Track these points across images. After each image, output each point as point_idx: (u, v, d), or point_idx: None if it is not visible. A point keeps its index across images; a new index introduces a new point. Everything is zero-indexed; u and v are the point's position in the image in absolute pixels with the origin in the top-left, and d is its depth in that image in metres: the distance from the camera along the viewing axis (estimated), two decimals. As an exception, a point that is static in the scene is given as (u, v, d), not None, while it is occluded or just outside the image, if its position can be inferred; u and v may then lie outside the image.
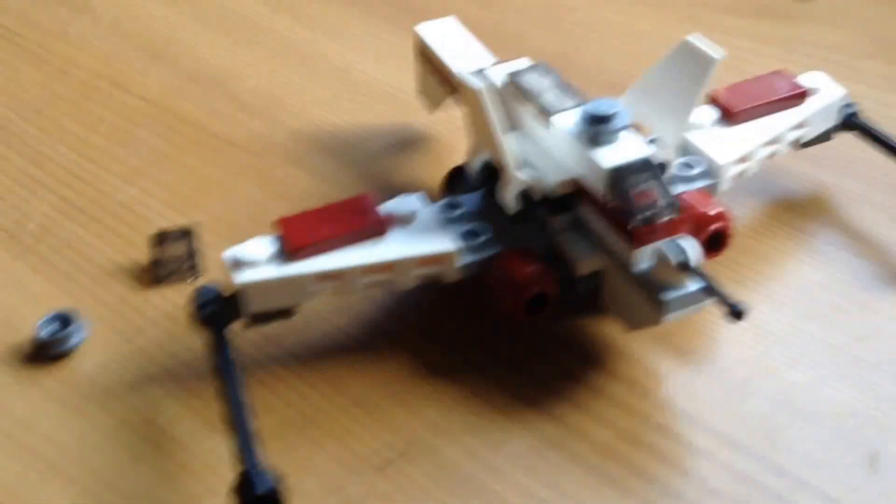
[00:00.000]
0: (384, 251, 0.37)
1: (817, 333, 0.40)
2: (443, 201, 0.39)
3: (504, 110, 0.40)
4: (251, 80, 0.56)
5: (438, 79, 0.46)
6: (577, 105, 0.38)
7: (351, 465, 0.35)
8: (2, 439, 0.37)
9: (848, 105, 0.44)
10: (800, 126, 0.43)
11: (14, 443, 0.37)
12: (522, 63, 0.42)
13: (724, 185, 0.41)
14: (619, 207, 0.35)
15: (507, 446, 0.36)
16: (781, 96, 0.43)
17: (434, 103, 0.48)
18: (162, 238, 0.43)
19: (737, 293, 0.37)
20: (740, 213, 0.45)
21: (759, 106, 0.43)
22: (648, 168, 0.35)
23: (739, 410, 0.37)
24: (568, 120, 0.37)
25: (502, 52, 0.45)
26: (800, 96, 0.43)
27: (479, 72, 0.42)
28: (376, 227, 0.37)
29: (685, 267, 0.34)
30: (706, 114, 0.42)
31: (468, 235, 0.38)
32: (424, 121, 0.51)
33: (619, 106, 0.36)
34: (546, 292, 0.36)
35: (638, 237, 0.35)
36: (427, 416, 0.37)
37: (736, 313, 0.32)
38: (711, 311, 0.37)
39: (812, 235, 0.44)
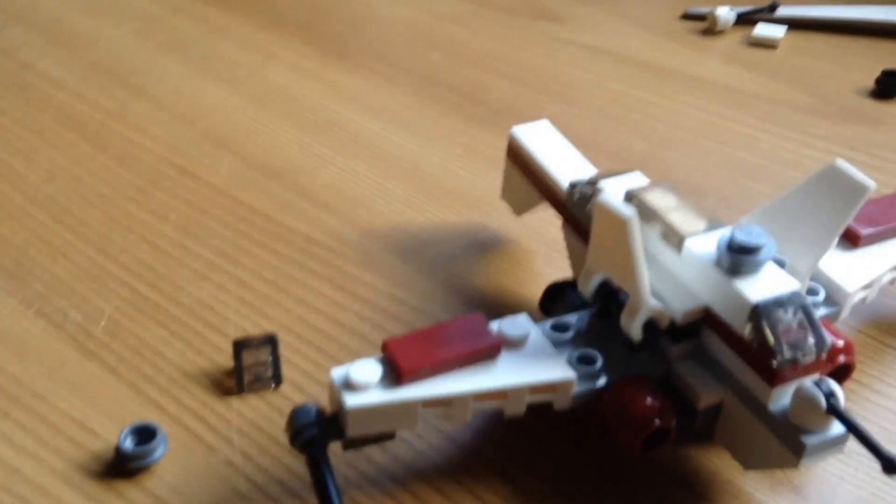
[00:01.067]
0: (497, 378, 0.35)
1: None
2: (551, 321, 0.37)
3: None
4: (322, 174, 0.55)
5: (531, 183, 0.45)
6: (712, 229, 0.36)
7: None
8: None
9: None
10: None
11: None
12: (638, 178, 0.40)
13: (846, 313, 0.39)
14: (762, 344, 0.33)
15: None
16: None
17: (521, 207, 0.47)
18: (244, 345, 0.41)
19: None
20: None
21: (884, 230, 0.42)
22: (798, 303, 0.33)
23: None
24: (704, 245, 0.35)
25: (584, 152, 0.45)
26: None
27: (589, 184, 0.40)
28: (490, 351, 0.35)
29: (834, 410, 0.32)
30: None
31: (582, 362, 0.36)
32: (499, 222, 0.50)
33: (766, 236, 0.34)
34: (666, 427, 0.34)
35: (781, 376, 0.33)
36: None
37: (889, 466, 0.30)
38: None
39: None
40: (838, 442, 0.33)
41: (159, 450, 0.38)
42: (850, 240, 0.41)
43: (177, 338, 0.44)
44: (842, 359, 0.37)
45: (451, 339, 0.35)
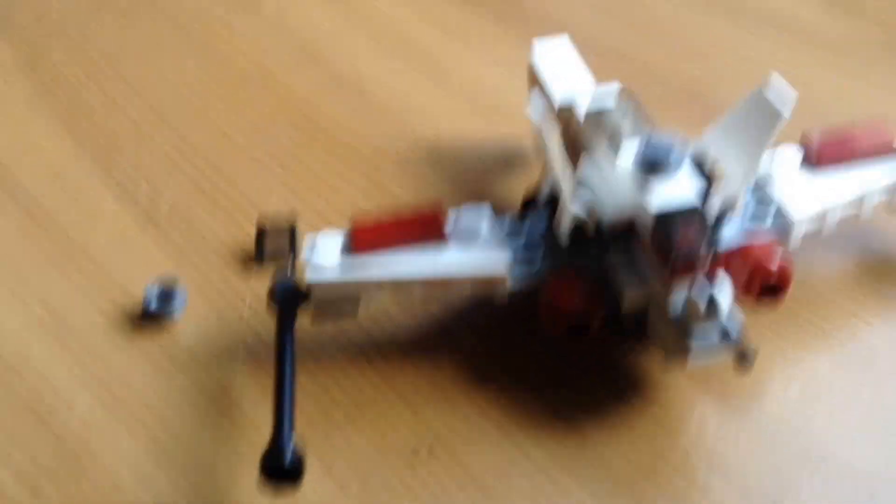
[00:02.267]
0: (439, 266, 0.40)
1: (869, 396, 0.40)
2: (508, 219, 0.41)
3: (585, 137, 0.42)
4: (389, 87, 0.60)
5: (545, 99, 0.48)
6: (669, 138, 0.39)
7: (380, 454, 0.39)
8: (95, 385, 0.42)
9: None
10: (892, 186, 0.42)
11: (105, 389, 0.42)
12: (609, 91, 0.43)
13: (794, 242, 0.41)
14: (661, 247, 0.36)
15: (525, 463, 0.38)
16: (876, 149, 0.42)
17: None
18: (265, 227, 0.47)
19: (794, 347, 0.41)
20: (824, 264, 0.45)
21: (849, 158, 0.42)
22: (694, 214, 0.36)
23: (763, 461, 0.38)
24: (629, 156, 0.38)
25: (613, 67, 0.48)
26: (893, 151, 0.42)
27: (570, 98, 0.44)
28: (437, 239, 0.40)
29: (713, 314, 0.35)
30: (793, 156, 0.42)
31: (522, 256, 0.40)
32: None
33: (673, 143, 0.37)
34: (589, 319, 0.38)
35: (674, 275, 0.36)
36: (461, 418, 0.40)
37: (744, 360, 0.33)
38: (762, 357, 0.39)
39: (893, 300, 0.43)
40: (724, 346, 0.36)
41: (178, 305, 0.45)
42: (814, 162, 0.42)
43: (219, 223, 0.51)
44: (769, 280, 0.39)
45: (407, 226, 0.40)
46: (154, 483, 0.38)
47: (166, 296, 0.45)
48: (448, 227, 0.41)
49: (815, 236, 0.42)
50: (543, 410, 0.40)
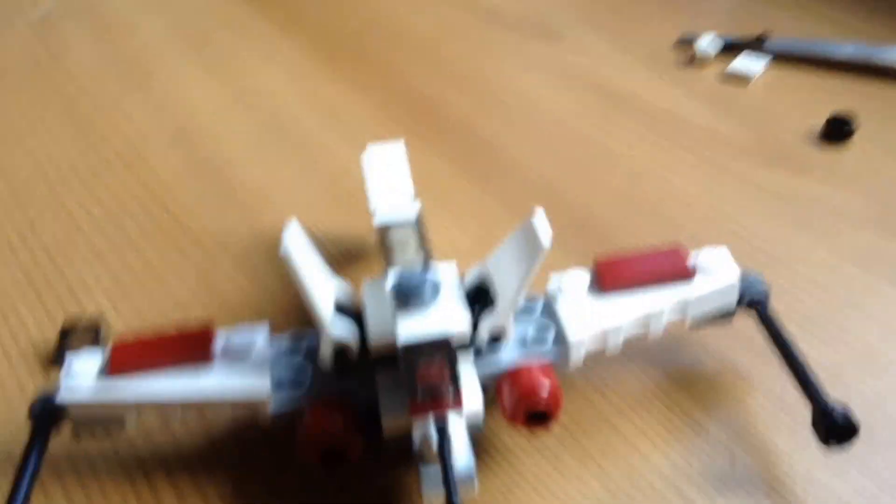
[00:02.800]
0: (198, 389, 0.38)
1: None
2: (287, 335, 0.40)
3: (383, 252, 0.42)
4: (251, 173, 0.60)
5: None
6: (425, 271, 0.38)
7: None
8: None
9: (756, 288, 0.42)
10: (680, 307, 0.41)
11: None
12: (403, 210, 0.44)
13: (575, 362, 0.40)
14: (406, 377, 0.35)
15: None
16: (664, 273, 0.42)
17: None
18: (71, 325, 0.46)
19: (566, 466, 0.40)
20: (626, 377, 0.45)
21: (635, 281, 0.41)
22: (442, 347, 0.35)
23: None
24: (390, 283, 0.37)
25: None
26: (685, 275, 0.42)
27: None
28: (201, 359, 0.39)
29: (439, 449, 0.35)
30: (580, 280, 0.42)
31: (290, 381, 0.39)
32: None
33: (428, 279, 0.36)
34: (344, 447, 0.37)
35: (413, 409, 0.36)
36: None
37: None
38: (540, 486, 0.40)
39: (688, 416, 0.43)
40: (463, 480, 0.35)
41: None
42: (601, 285, 0.41)
43: (43, 310, 0.51)
44: (536, 407, 0.38)
45: (172, 345, 0.39)
46: None
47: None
48: (216, 347, 0.39)
49: (598, 356, 0.41)
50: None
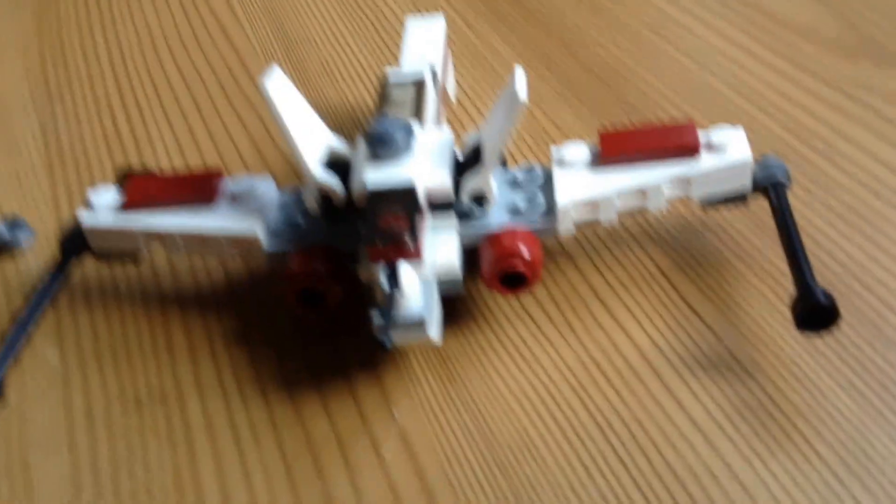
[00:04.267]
0: (199, 222, 0.41)
1: (586, 398, 0.39)
2: (291, 189, 0.43)
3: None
4: (326, 50, 0.63)
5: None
6: (401, 120, 0.39)
7: (114, 395, 0.41)
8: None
9: (774, 172, 0.41)
10: (681, 183, 0.41)
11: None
12: (413, 73, 0.45)
13: (565, 228, 0.40)
14: (368, 222, 0.37)
15: (238, 416, 0.40)
16: (662, 147, 0.41)
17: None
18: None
19: (546, 336, 0.41)
20: (632, 259, 0.44)
21: (633, 153, 0.41)
22: (406, 195, 0.37)
23: (450, 448, 0.38)
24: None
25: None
26: (689, 151, 0.41)
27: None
28: (204, 199, 0.42)
29: (385, 289, 0.36)
30: (581, 152, 0.42)
31: (284, 225, 0.41)
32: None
33: (400, 128, 0.38)
34: (321, 290, 0.39)
35: (372, 254, 0.37)
36: (204, 371, 0.42)
37: (382, 344, 0.34)
38: (514, 352, 0.41)
39: (683, 300, 0.43)
40: (413, 326, 0.36)
41: (23, 237, 0.49)
42: (600, 157, 0.41)
43: (112, 163, 0.55)
44: (508, 266, 0.39)
45: (182, 186, 0.43)
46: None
47: (12, 227, 0.48)
48: (222, 191, 0.42)
49: (613, 234, 0.42)
50: (276, 375, 0.42)
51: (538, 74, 0.57)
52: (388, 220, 0.37)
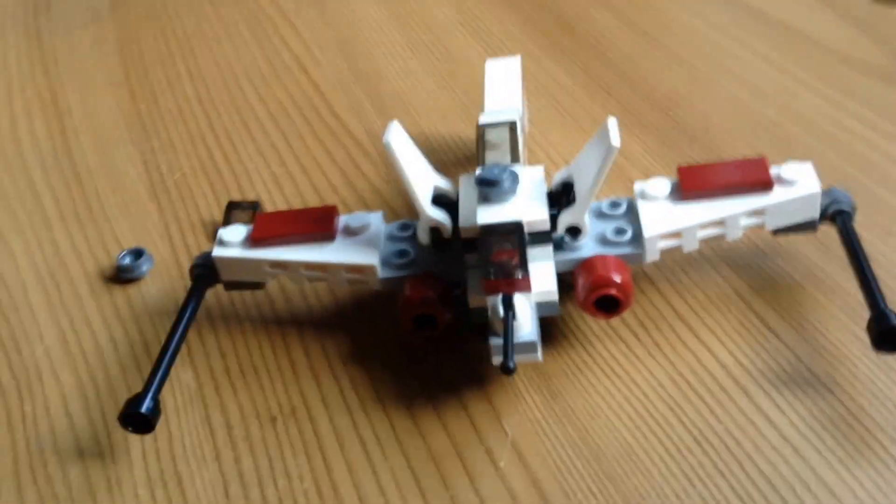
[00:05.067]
0: (322, 254, 0.46)
1: (680, 413, 0.43)
2: (397, 223, 0.47)
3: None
4: (400, 84, 0.67)
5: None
6: (507, 166, 0.44)
7: (249, 412, 0.46)
8: (65, 325, 0.52)
9: (840, 202, 0.45)
10: (757, 214, 0.45)
11: (70, 332, 0.52)
12: (504, 115, 0.49)
13: (651, 256, 0.45)
14: (482, 257, 0.42)
15: (364, 431, 0.44)
16: (740, 182, 0.45)
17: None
18: (234, 206, 0.55)
19: (636, 356, 0.45)
20: (709, 282, 0.48)
21: (712, 188, 0.45)
22: (514, 231, 0.42)
23: (560, 460, 0.42)
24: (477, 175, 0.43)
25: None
26: (763, 186, 0.45)
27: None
28: (325, 234, 0.47)
29: (503, 319, 0.41)
30: (663, 186, 0.46)
31: (396, 255, 0.46)
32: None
33: (507, 174, 0.42)
34: (433, 315, 0.44)
35: (487, 286, 0.42)
36: (327, 389, 0.46)
37: (504, 368, 0.39)
38: (609, 370, 0.45)
39: (761, 320, 0.47)
40: (526, 348, 0.41)
41: (145, 267, 0.54)
42: (681, 191, 0.45)
43: (213, 194, 0.59)
44: (604, 292, 0.43)
45: (302, 221, 0.47)
46: (74, 412, 0.47)
47: (136, 257, 0.53)
48: (338, 226, 0.47)
49: (675, 253, 0.45)
50: (393, 392, 0.46)
51: (600, 105, 0.62)
52: (500, 255, 0.41)
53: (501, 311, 0.41)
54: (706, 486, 0.40)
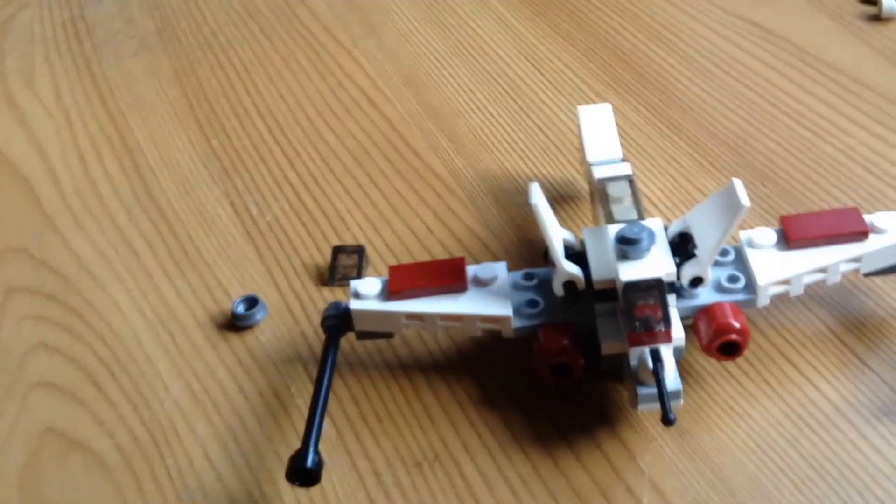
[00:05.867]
0: (457, 305, 0.49)
1: (798, 446, 0.47)
2: (521, 272, 0.50)
3: (594, 205, 0.51)
4: (473, 120, 0.69)
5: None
6: (633, 221, 0.47)
7: (393, 458, 0.48)
8: (188, 375, 0.53)
9: None
10: (855, 260, 0.49)
11: (195, 382, 0.53)
12: (621, 168, 0.52)
13: (762, 301, 0.48)
14: (626, 312, 0.45)
15: (508, 472, 0.47)
16: (840, 232, 0.49)
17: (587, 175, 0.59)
18: (339, 250, 0.58)
19: (749, 392, 0.48)
20: (803, 320, 0.52)
21: (815, 238, 0.49)
22: (656, 287, 0.45)
23: (697, 494, 0.45)
24: (614, 232, 0.46)
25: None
26: (860, 235, 0.49)
27: (590, 165, 0.53)
28: (458, 286, 0.49)
29: (654, 372, 0.43)
30: (769, 236, 0.49)
31: (527, 304, 0.49)
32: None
33: (646, 231, 0.45)
34: (569, 363, 0.47)
35: (632, 339, 0.45)
36: (465, 433, 0.49)
37: (665, 420, 0.42)
38: (727, 407, 0.48)
39: (855, 356, 0.50)
40: (673, 396, 0.44)
41: (260, 314, 0.56)
42: (787, 240, 0.49)
43: (310, 237, 0.61)
44: (729, 337, 0.46)
45: (435, 272, 0.50)
46: (218, 464, 0.49)
47: (251, 305, 0.55)
48: (468, 277, 0.49)
49: (783, 297, 0.49)
50: (529, 434, 0.48)
51: (668, 140, 0.65)
52: (644, 310, 0.44)
53: (651, 364, 0.43)
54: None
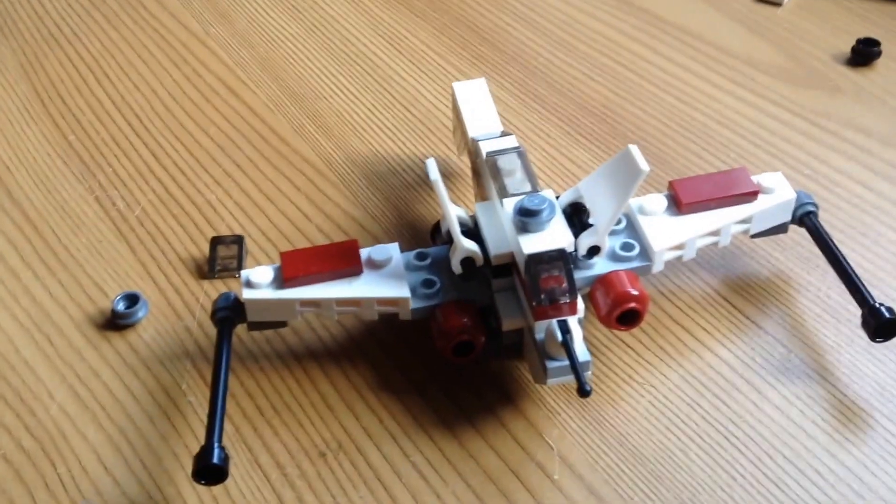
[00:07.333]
0: (353, 289, 0.48)
1: (702, 411, 0.48)
2: (415, 252, 0.50)
3: (484, 180, 0.51)
4: (337, 103, 0.68)
5: (460, 131, 0.57)
6: (529, 193, 0.47)
7: (296, 451, 0.47)
8: (72, 379, 0.51)
9: (806, 204, 0.51)
10: (744, 221, 0.50)
11: (79, 385, 0.51)
12: (508, 142, 0.52)
13: (657, 267, 0.49)
14: (531, 285, 0.45)
15: (415, 457, 0.47)
16: (731, 194, 0.50)
17: (460, 149, 0.59)
18: (218, 241, 0.56)
19: (647, 361, 0.49)
20: (692, 286, 0.53)
21: (706, 201, 0.50)
22: (559, 258, 0.45)
23: (608, 467, 0.46)
24: (511, 205, 0.46)
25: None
26: (750, 196, 0.50)
27: (475, 141, 0.53)
28: (353, 269, 0.48)
29: (563, 344, 0.44)
30: (660, 201, 0.50)
31: (423, 284, 0.48)
32: (461, 159, 0.62)
33: (546, 202, 0.45)
34: (471, 341, 0.47)
35: (538, 313, 0.45)
36: (366, 420, 0.48)
37: (582, 392, 0.42)
38: (626, 377, 0.49)
39: (746, 317, 0.52)
40: (583, 367, 0.44)
41: (141, 312, 0.53)
42: (678, 206, 0.50)
43: (183, 229, 0.59)
44: (628, 305, 0.47)
45: (328, 256, 0.49)
46: (114, 468, 0.47)
47: (132, 302, 0.53)
48: (362, 260, 0.49)
49: (671, 264, 0.50)
50: (431, 416, 0.48)
51: (536, 113, 0.66)
52: (548, 282, 0.45)
53: (560, 337, 0.43)
54: (745, 479, 0.45)
